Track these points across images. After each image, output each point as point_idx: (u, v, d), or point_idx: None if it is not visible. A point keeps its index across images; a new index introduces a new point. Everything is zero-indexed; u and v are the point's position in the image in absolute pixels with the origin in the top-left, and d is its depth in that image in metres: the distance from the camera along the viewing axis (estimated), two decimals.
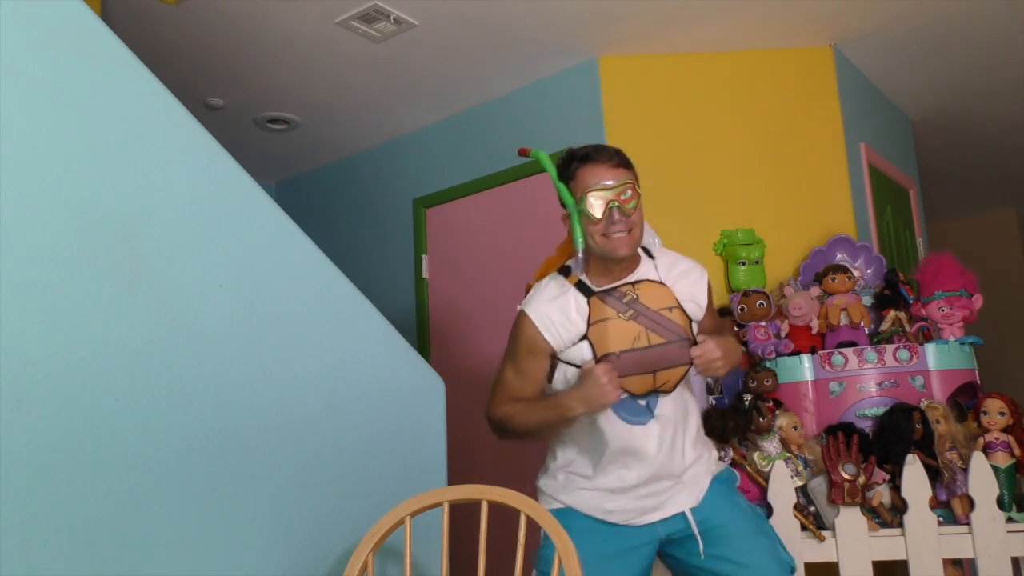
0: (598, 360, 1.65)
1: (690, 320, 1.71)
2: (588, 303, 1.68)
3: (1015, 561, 2.04)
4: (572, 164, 1.68)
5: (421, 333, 3.62)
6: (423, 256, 3.68)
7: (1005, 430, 2.14)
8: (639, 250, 1.73)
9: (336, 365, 1.89)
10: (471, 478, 3.06)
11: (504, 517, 1.71)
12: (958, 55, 3.38)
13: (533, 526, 1.58)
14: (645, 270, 1.72)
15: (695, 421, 1.79)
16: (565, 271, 1.77)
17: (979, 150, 4.70)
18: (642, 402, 1.69)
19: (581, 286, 1.70)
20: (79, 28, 1.48)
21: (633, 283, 1.70)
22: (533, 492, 1.79)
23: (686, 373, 1.70)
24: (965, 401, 2.40)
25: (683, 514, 1.71)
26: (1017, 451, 2.12)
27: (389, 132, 3.83)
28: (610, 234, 1.61)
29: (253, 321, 1.71)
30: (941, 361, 2.36)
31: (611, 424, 1.68)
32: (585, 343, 1.67)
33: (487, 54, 3.09)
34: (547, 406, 1.68)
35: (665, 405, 1.70)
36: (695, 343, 1.68)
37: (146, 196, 1.54)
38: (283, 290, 1.79)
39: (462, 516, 1.82)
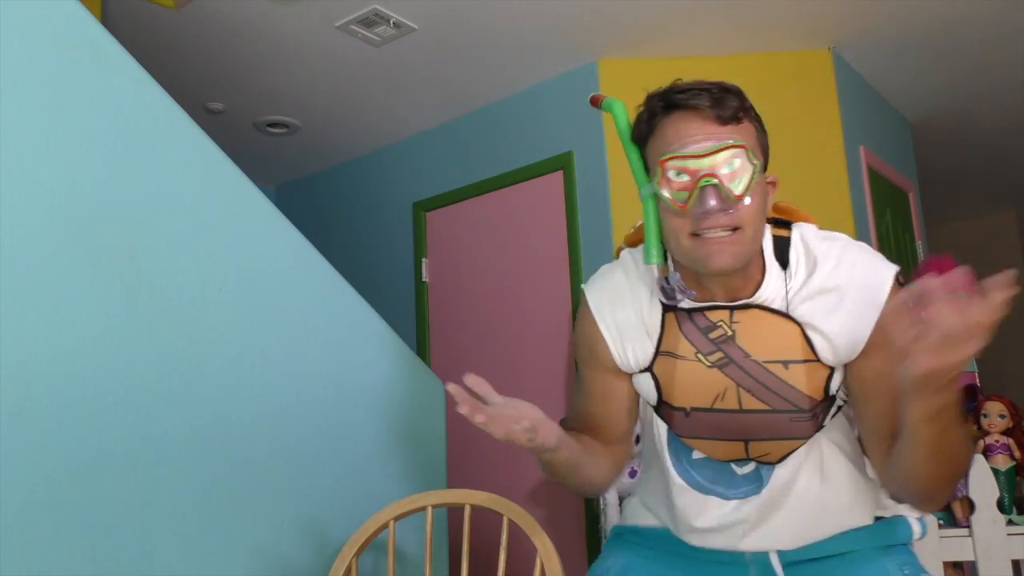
0: (660, 408, 1.14)
1: (830, 372, 1.06)
2: (663, 318, 1.12)
3: (1016, 564, 2.04)
4: (648, 114, 1.06)
5: (421, 336, 3.62)
6: (423, 260, 3.69)
7: (1005, 433, 2.14)
8: (766, 252, 1.08)
9: (336, 368, 1.89)
10: (472, 482, 3.07)
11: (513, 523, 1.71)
12: (957, 57, 3.38)
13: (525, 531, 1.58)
14: (768, 289, 1.07)
15: (844, 472, 1.13)
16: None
17: (978, 152, 4.70)
18: (740, 469, 1.12)
19: (665, 282, 1.09)
20: (79, 32, 1.48)
21: (732, 309, 1.07)
22: (532, 495, 1.79)
23: (801, 444, 1.10)
24: (965, 403, 2.40)
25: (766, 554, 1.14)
26: (1017, 454, 2.12)
27: (389, 136, 3.84)
28: (702, 233, 1.00)
29: (253, 325, 1.71)
30: None
31: (678, 489, 1.16)
32: (648, 377, 1.14)
33: (487, 58, 3.09)
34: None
35: (783, 472, 1.11)
36: (822, 414, 1.07)
37: (146, 201, 1.54)
38: (283, 294, 1.79)
39: (480, 520, 1.82)
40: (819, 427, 1.10)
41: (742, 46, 3.11)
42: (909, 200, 3.91)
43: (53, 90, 1.42)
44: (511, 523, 1.59)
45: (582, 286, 1.23)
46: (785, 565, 1.14)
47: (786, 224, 1.13)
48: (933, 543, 2.01)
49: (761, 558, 1.15)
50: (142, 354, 1.49)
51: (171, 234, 1.57)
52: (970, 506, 2.04)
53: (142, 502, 1.45)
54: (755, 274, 1.07)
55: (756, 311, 1.06)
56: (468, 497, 1.64)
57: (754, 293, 1.07)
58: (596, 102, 1.27)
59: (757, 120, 1.07)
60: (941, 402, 0.88)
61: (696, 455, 1.15)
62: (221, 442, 1.60)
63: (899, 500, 1.13)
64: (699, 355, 1.09)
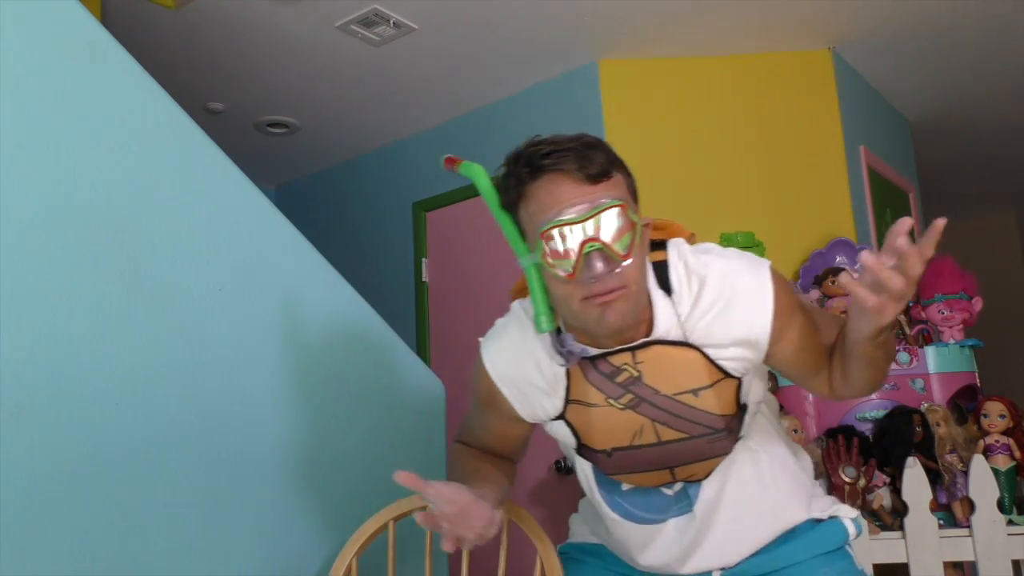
0: (581, 451, 1.16)
1: (739, 383, 1.09)
2: (567, 373, 1.11)
3: (1016, 564, 2.04)
4: (514, 179, 1.03)
5: (421, 337, 3.62)
6: (423, 260, 3.69)
7: (1005, 433, 2.14)
8: (650, 284, 1.07)
9: (336, 368, 1.89)
10: None
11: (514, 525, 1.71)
12: (957, 58, 3.38)
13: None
14: (660, 322, 1.07)
15: (770, 473, 1.19)
16: None
17: (978, 152, 4.70)
18: (668, 491, 1.17)
19: (558, 341, 1.08)
20: (78, 32, 1.48)
21: (634, 350, 1.07)
22: (532, 495, 1.79)
23: (723, 459, 1.14)
24: (965, 404, 2.40)
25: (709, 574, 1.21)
26: (1017, 454, 2.12)
27: (389, 136, 3.84)
28: (593, 299, 0.98)
29: (252, 325, 1.71)
30: (941, 364, 2.36)
31: (613, 520, 1.22)
32: (563, 424, 1.15)
33: (487, 58, 3.09)
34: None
35: (709, 488, 1.15)
36: (738, 425, 1.11)
37: (146, 200, 1.54)
38: (282, 294, 1.79)
39: None
40: (737, 439, 1.14)
41: (742, 46, 3.11)
42: (909, 200, 3.91)
43: (53, 90, 1.42)
44: (511, 523, 1.59)
45: (480, 339, 1.22)
46: None
47: (661, 244, 1.13)
48: (933, 543, 2.01)
49: None
50: (142, 354, 1.49)
51: (171, 234, 1.57)
52: (970, 506, 2.04)
53: (141, 502, 1.45)
54: (644, 313, 1.06)
55: (657, 348, 1.07)
56: None
57: (649, 331, 1.07)
58: (451, 164, 1.22)
59: (623, 168, 1.05)
60: (889, 329, 0.97)
61: (625, 486, 1.18)
62: (220, 442, 1.60)
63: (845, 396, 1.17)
64: (609, 400, 1.09)
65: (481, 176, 1.13)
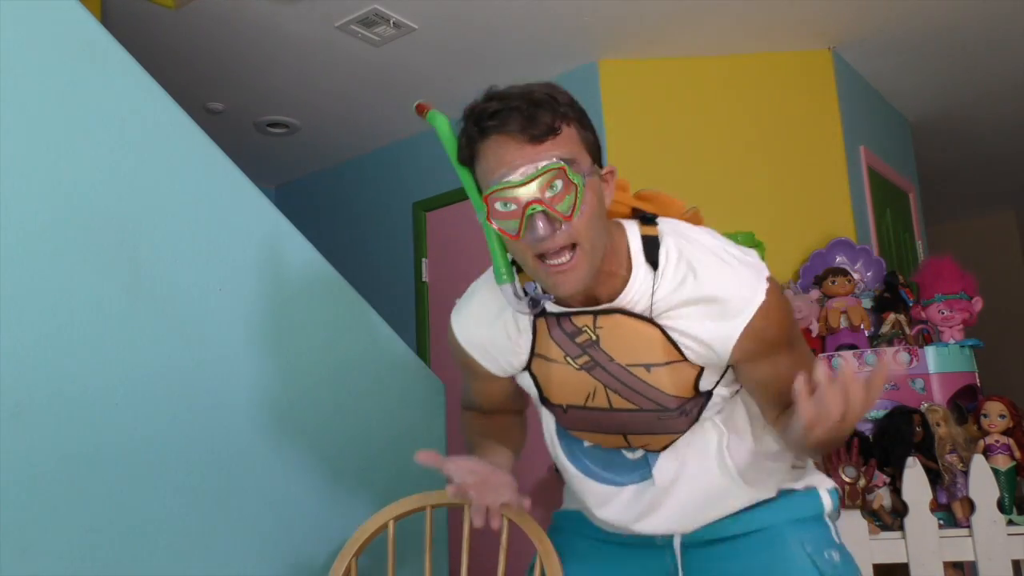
0: (543, 403, 1.19)
1: (700, 371, 1.08)
2: (534, 325, 1.13)
3: (1016, 564, 2.04)
4: (466, 137, 1.03)
5: (421, 336, 3.62)
6: (423, 259, 3.69)
7: (1005, 433, 2.14)
8: (634, 251, 1.07)
9: (336, 368, 1.89)
10: None
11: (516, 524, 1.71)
12: (957, 58, 3.38)
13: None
14: (632, 291, 1.06)
15: (743, 453, 1.16)
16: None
17: (978, 152, 4.71)
18: (630, 455, 1.17)
19: (522, 294, 1.11)
20: (78, 32, 1.48)
21: (596, 314, 1.07)
22: (532, 495, 1.79)
23: (678, 437, 1.14)
24: (965, 404, 2.40)
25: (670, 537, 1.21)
26: (1017, 454, 2.12)
27: (389, 136, 3.84)
28: (544, 255, 0.99)
29: (252, 325, 1.71)
30: (941, 364, 2.36)
31: (574, 476, 1.24)
32: (528, 377, 1.18)
33: (487, 58, 3.09)
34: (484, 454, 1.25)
35: (667, 461, 1.15)
36: (695, 409, 1.11)
37: (146, 200, 1.54)
38: (282, 294, 1.79)
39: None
40: (693, 421, 1.13)
41: (742, 46, 3.11)
42: (909, 200, 3.91)
43: (53, 90, 1.42)
44: (511, 523, 1.59)
45: (455, 304, 1.26)
46: (685, 547, 1.19)
47: (652, 219, 1.12)
48: (933, 543, 2.01)
49: (669, 541, 1.21)
50: (142, 354, 1.49)
51: (171, 234, 1.57)
52: (970, 506, 2.04)
53: (141, 501, 1.45)
54: (619, 272, 1.06)
55: (618, 316, 1.07)
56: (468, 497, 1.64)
57: (618, 294, 1.06)
58: (422, 111, 1.21)
59: (579, 119, 1.03)
60: (824, 443, 0.99)
61: (587, 444, 1.21)
62: (220, 442, 1.60)
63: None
64: (567, 358, 1.11)
65: (445, 130, 1.12)
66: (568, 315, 1.09)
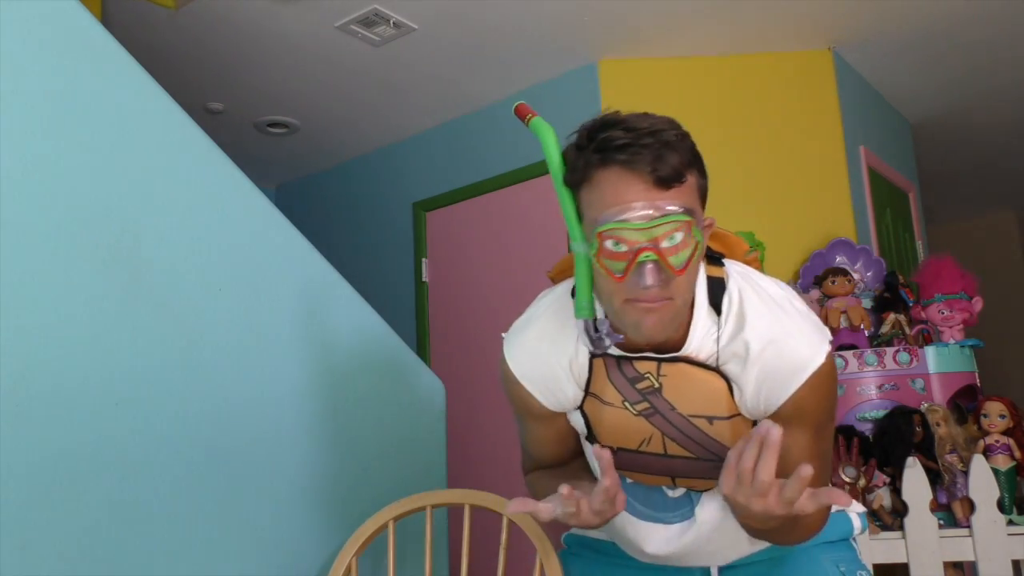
0: (590, 439, 1.14)
1: (754, 424, 1.05)
2: (590, 362, 1.09)
3: (1016, 564, 2.04)
4: (583, 161, 0.98)
5: (421, 336, 3.62)
6: (423, 259, 3.69)
7: (1005, 433, 2.14)
8: (698, 296, 1.03)
9: (336, 368, 1.89)
10: (472, 482, 3.07)
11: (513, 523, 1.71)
12: (957, 58, 3.38)
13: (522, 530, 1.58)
14: (695, 338, 1.03)
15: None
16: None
17: (978, 153, 4.71)
18: (672, 493, 1.13)
19: (594, 331, 1.05)
20: (78, 32, 1.48)
21: (660, 361, 1.04)
22: (529, 495, 1.78)
23: None
24: (965, 404, 2.40)
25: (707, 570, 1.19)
26: (1017, 454, 2.12)
27: (389, 136, 3.84)
28: (636, 303, 0.95)
29: (253, 325, 1.71)
30: (941, 364, 2.36)
31: (619, 516, 1.16)
32: (578, 415, 1.13)
33: (487, 58, 3.09)
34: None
35: (711, 499, 1.12)
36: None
37: (146, 201, 1.54)
38: (283, 294, 1.79)
39: (480, 520, 1.82)
40: None
41: (742, 46, 3.11)
42: (909, 200, 3.91)
43: (53, 90, 1.42)
44: (511, 523, 1.59)
45: (503, 335, 1.19)
46: (721, 570, 1.18)
47: (719, 259, 1.09)
48: (933, 543, 2.01)
49: (705, 571, 1.20)
50: (142, 354, 1.49)
51: (171, 234, 1.57)
52: (970, 506, 2.04)
53: (141, 501, 1.45)
54: (682, 325, 1.02)
55: (683, 365, 1.03)
56: (468, 497, 1.65)
57: (682, 342, 1.03)
58: (522, 114, 1.13)
59: (699, 167, 1.00)
60: (765, 527, 0.95)
61: (629, 480, 1.16)
62: (220, 442, 1.60)
63: None
64: (626, 403, 1.07)
65: (551, 144, 1.05)
66: (631, 359, 1.05)
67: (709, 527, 1.12)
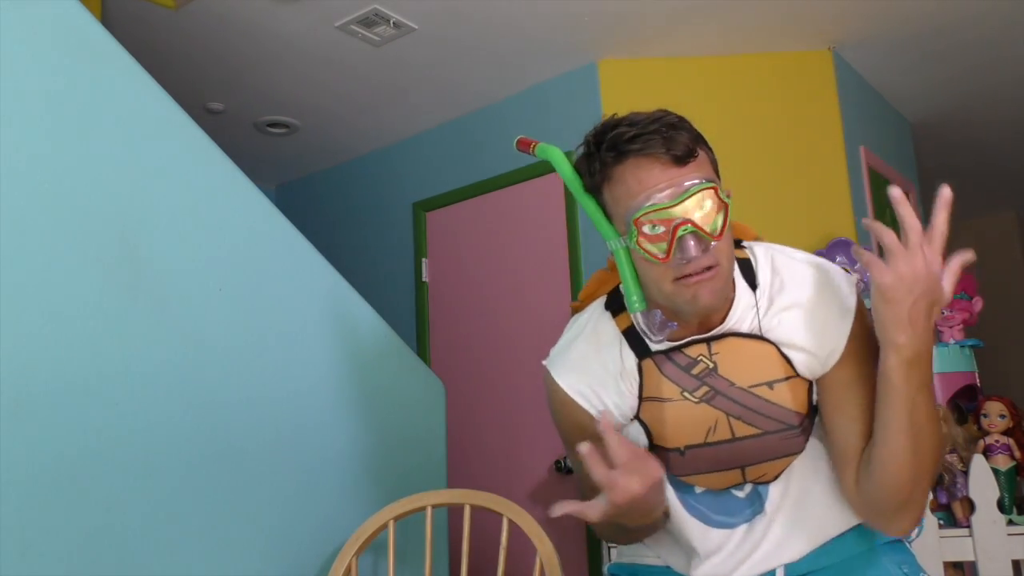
0: (653, 451, 1.12)
1: (810, 385, 1.08)
2: (639, 367, 1.10)
3: (1016, 564, 2.04)
4: (599, 163, 1.03)
5: (421, 337, 3.62)
6: (423, 260, 3.69)
7: (1005, 433, 2.14)
8: (736, 276, 1.09)
9: (336, 368, 1.89)
10: (472, 482, 3.07)
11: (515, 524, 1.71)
12: (957, 58, 3.38)
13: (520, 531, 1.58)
14: (737, 313, 1.08)
15: (824, 483, 1.14)
16: (614, 303, 1.17)
17: (978, 153, 4.71)
18: (739, 493, 1.12)
19: (633, 336, 1.11)
20: (79, 32, 1.48)
21: (709, 341, 1.07)
22: (532, 495, 1.79)
23: (794, 459, 1.11)
24: (965, 404, 2.40)
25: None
26: (1017, 454, 2.12)
27: (389, 136, 3.84)
28: (687, 280, 0.99)
29: (253, 325, 1.71)
30: (941, 364, 2.36)
31: (685, 524, 1.16)
32: (638, 425, 1.13)
33: (487, 58, 3.09)
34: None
35: (776, 489, 1.13)
36: (810, 426, 1.08)
37: (146, 200, 1.54)
38: (283, 294, 1.79)
39: (480, 520, 1.82)
40: (807, 439, 1.11)
41: (742, 46, 3.11)
42: (909, 200, 3.91)
43: (52, 90, 1.42)
44: (511, 523, 1.59)
45: (544, 363, 1.20)
46: None
47: (737, 243, 1.13)
48: (933, 543, 2.01)
49: None
50: (142, 353, 1.49)
51: (171, 234, 1.57)
52: (970, 506, 2.04)
53: (141, 501, 1.45)
54: (727, 298, 1.07)
55: (732, 339, 1.07)
56: (468, 497, 1.65)
57: (724, 319, 1.07)
58: (525, 146, 1.18)
59: (705, 143, 1.07)
60: (916, 346, 0.95)
61: (698, 489, 1.16)
62: (220, 442, 1.60)
63: (872, 526, 1.13)
64: (684, 393, 1.09)
65: (561, 161, 1.11)
66: (679, 348, 1.08)
67: (776, 513, 1.13)
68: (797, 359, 1.07)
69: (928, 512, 2.03)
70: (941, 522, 2.08)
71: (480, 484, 2.96)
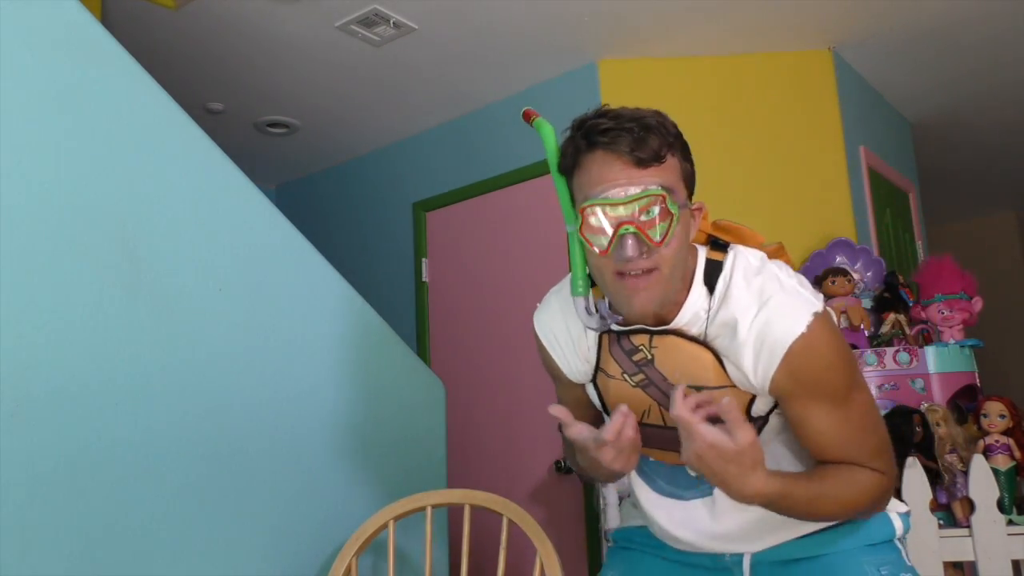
0: (606, 413, 1.21)
1: (752, 397, 1.08)
2: (599, 339, 1.17)
3: (1016, 564, 2.04)
4: (573, 147, 1.08)
5: (421, 336, 3.62)
6: (423, 260, 3.69)
7: (1005, 432, 2.14)
8: (696, 273, 1.10)
9: (336, 368, 1.89)
10: (472, 482, 3.07)
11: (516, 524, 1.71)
12: (957, 58, 3.38)
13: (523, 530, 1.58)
14: (687, 313, 1.09)
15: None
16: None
17: (978, 152, 4.71)
18: (693, 472, 1.12)
19: (594, 310, 1.15)
20: (79, 32, 1.48)
21: (652, 334, 1.10)
22: (532, 495, 1.79)
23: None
24: (965, 404, 2.40)
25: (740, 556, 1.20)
26: (1017, 454, 2.12)
27: (389, 136, 3.84)
28: (626, 279, 1.03)
29: (253, 325, 1.71)
30: (941, 364, 2.36)
31: (643, 492, 1.23)
32: (592, 387, 1.21)
33: (487, 58, 3.09)
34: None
35: None
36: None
37: (146, 201, 1.54)
38: (283, 294, 1.79)
39: (480, 520, 1.82)
40: None
41: (742, 46, 3.11)
42: (909, 200, 3.91)
43: (53, 90, 1.42)
44: (511, 523, 1.59)
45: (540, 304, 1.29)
46: (755, 566, 1.19)
47: (724, 247, 1.14)
48: (933, 543, 2.01)
49: (738, 560, 1.20)
50: (142, 354, 1.49)
51: (171, 234, 1.58)
52: (970, 506, 2.04)
53: (141, 502, 1.45)
54: (678, 296, 1.09)
55: (673, 338, 1.09)
56: (468, 497, 1.65)
57: (675, 316, 1.09)
58: (527, 117, 1.26)
59: (682, 151, 1.08)
60: (762, 498, 1.00)
61: (652, 459, 1.21)
62: (220, 442, 1.60)
63: None
64: (625, 375, 1.14)
65: (550, 137, 1.17)
66: (627, 333, 1.13)
67: (727, 503, 1.14)
68: (732, 372, 1.08)
69: (928, 512, 2.03)
70: (941, 522, 2.08)
71: (480, 484, 2.96)
